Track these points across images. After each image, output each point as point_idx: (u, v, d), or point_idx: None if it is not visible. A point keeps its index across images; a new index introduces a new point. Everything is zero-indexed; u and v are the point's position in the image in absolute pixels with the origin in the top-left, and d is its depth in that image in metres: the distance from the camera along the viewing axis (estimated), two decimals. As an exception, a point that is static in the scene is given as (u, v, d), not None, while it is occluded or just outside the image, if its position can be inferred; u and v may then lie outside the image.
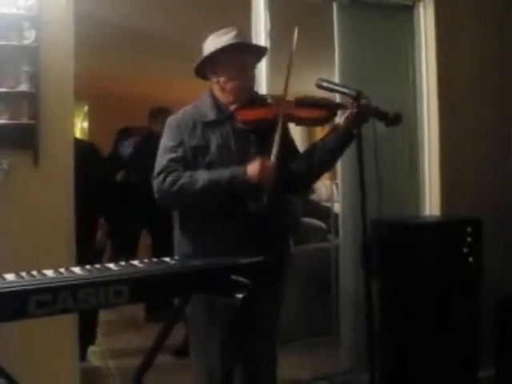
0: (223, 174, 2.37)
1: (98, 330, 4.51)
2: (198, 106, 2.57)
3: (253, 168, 2.34)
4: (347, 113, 2.41)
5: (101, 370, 4.14)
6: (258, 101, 2.56)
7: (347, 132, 2.44)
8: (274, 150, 2.35)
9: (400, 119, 2.43)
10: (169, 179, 2.38)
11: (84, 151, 3.91)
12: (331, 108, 2.48)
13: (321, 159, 2.48)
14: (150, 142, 4.89)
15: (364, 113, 2.37)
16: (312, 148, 2.54)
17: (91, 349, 4.36)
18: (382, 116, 2.40)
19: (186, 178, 2.37)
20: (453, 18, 4.00)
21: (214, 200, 2.39)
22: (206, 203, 2.40)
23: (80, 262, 3.12)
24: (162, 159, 2.45)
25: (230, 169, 2.38)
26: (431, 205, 4.07)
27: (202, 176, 2.37)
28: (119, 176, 5.26)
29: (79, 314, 4.14)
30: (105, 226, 4.12)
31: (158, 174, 2.42)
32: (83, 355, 4.22)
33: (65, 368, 3.18)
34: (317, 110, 2.48)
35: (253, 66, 2.58)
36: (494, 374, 3.45)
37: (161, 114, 5.02)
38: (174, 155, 2.43)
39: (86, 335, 4.23)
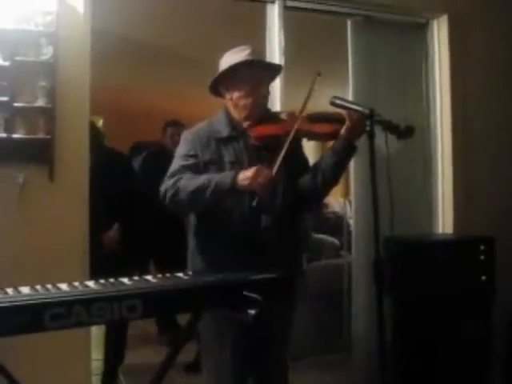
0: (213, 177, 2.36)
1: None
2: (212, 122, 2.59)
3: (245, 173, 2.32)
4: (345, 124, 2.42)
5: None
6: (271, 118, 2.58)
7: (346, 144, 2.43)
8: (277, 162, 2.34)
9: (412, 132, 2.42)
10: (172, 180, 2.41)
11: (119, 162, 3.95)
12: (341, 122, 2.48)
13: (325, 174, 2.47)
14: (157, 155, 4.93)
15: (360, 124, 2.36)
16: (316, 163, 2.55)
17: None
18: (394, 129, 2.39)
19: (184, 180, 2.40)
20: (466, 34, 4.02)
21: (205, 206, 2.38)
22: (199, 208, 2.42)
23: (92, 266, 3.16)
24: (174, 165, 2.49)
25: (222, 174, 2.38)
26: (444, 222, 4.06)
27: (198, 179, 2.38)
28: None
29: (108, 334, 4.20)
30: (118, 229, 4.10)
31: (167, 177, 2.46)
32: (115, 376, 4.22)
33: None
34: (328, 124, 2.50)
35: (267, 84, 2.60)
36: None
37: (169, 126, 5.05)
38: (186, 162, 2.46)
39: (117, 354, 4.24)
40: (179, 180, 2.40)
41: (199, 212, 2.51)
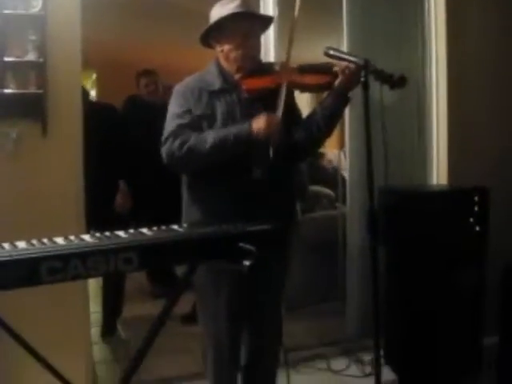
0: (229, 131, 2.38)
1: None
2: (203, 75, 2.57)
3: (258, 122, 2.35)
4: (339, 78, 2.40)
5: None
6: (263, 69, 2.56)
7: (340, 95, 2.43)
8: (279, 109, 2.36)
9: (405, 81, 2.40)
10: (177, 142, 2.39)
11: (102, 113, 3.93)
12: (334, 73, 2.46)
13: (318, 125, 2.47)
14: (129, 106, 4.90)
15: (354, 78, 2.36)
16: (310, 115, 2.54)
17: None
18: (387, 78, 2.38)
19: (193, 139, 2.38)
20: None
21: (224, 160, 2.38)
22: (214, 164, 2.40)
23: (103, 225, 3.17)
24: (169, 125, 2.47)
25: (235, 126, 2.40)
26: (439, 173, 4.08)
27: (209, 136, 2.38)
28: None
29: (105, 286, 4.25)
30: (124, 189, 4.11)
31: (166, 138, 2.43)
32: (113, 328, 4.29)
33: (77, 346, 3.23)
34: (320, 75, 2.48)
35: (257, 35, 2.57)
36: (498, 342, 3.48)
37: (142, 76, 5.00)
38: (181, 121, 2.44)
39: (114, 307, 4.29)
40: (186, 141, 2.38)
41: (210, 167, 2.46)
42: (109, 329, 4.26)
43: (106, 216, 3.48)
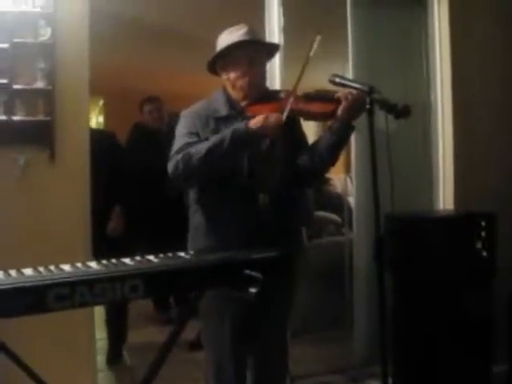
0: (225, 132, 2.39)
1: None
2: (210, 102, 2.59)
3: (257, 118, 2.36)
4: (342, 105, 2.41)
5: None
6: (269, 96, 2.58)
7: (344, 124, 2.43)
8: (285, 110, 2.36)
9: (409, 111, 2.40)
10: (181, 155, 2.39)
11: (104, 141, 3.95)
12: (338, 100, 2.46)
13: (322, 154, 2.48)
14: (135, 134, 4.93)
15: (356, 104, 2.36)
16: (315, 142, 2.55)
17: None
18: (391, 108, 2.38)
19: (194, 147, 2.39)
20: (467, 10, 3.97)
21: (223, 164, 2.38)
22: (216, 171, 2.40)
23: (96, 251, 3.17)
24: (177, 143, 2.48)
25: (235, 124, 2.41)
26: (445, 199, 4.06)
27: (207, 142, 2.39)
28: None
29: (108, 313, 4.23)
30: (119, 213, 4.14)
31: (173, 154, 2.44)
32: (119, 355, 4.27)
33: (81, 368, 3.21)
34: (325, 103, 2.48)
35: (263, 63, 2.59)
36: (508, 369, 3.45)
37: (145, 103, 5.02)
38: (189, 140, 2.45)
39: (119, 333, 4.28)
40: (188, 152, 2.38)
41: (212, 176, 2.45)
42: (114, 355, 4.24)
43: (98, 240, 3.47)
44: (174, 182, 2.48)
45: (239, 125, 2.39)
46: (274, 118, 2.34)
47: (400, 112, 2.37)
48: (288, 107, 2.38)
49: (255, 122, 2.35)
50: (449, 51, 3.97)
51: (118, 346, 4.29)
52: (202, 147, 2.37)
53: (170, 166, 2.43)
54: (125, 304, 4.22)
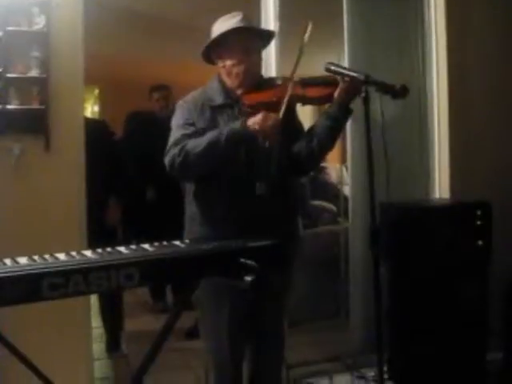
0: (224, 127, 2.39)
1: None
2: (206, 91, 2.58)
3: (254, 119, 2.35)
4: (338, 88, 2.41)
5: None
6: (264, 84, 2.57)
7: (340, 108, 2.42)
8: (282, 107, 2.35)
9: (406, 91, 2.39)
10: (177, 148, 2.39)
11: (95, 130, 3.94)
12: (335, 83, 2.46)
13: (320, 138, 2.46)
14: (131, 123, 4.94)
15: (354, 86, 2.35)
16: (312, 127, 2.54)
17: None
18: (388, 88, 2.38)
19: (191, 142, 2.39)
20: (463, -1, 3.98)
21: (221, 159, 2.38)
22: (213, 166, 2.40)
23: (92, 242, 3.17)
24: (173, 136, 2.47)
25: (233, 122, 2.41)
26: (441, 187, 4.07)
27: (205, 137, 2.38)
28: None
29: (103, 302, 4.24)
30: (115, 205, 4.14)
31: (169, 147, 2.44)
32: (117, 343, 4.27)
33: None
34: (321, 88, 2.48)
35: (258, 50, 2.58)
36: (502, 357, 3.46)
37: (154, 91, 5.05)
38: (185, 131, 2.45)
39: (114, 322, 4.28)
40: (185, 145, 2.38)
41: (208, 172, 2.45)
42: (112, 344, 4.25)
43: (95, 230, 3.46)
44: (170, 175, 2.48)
45: (236, 124, 2.38)
46: (271, 119, 2.33)
47: (398, 92, 2.36)
48: (285, 101, 2.37)
49: (253, 123, 2.34)
50: (445, 38, 3.97)
51: (115, 334, 4.29)
52: (199, 143, 2.36)
53: (167, 160, 2.43)
54: (118, 292, 4.22)
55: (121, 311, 4.37)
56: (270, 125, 2.32)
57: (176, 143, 2.42)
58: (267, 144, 2.34)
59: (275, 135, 2.34)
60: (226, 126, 2.39)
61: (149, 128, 4.81)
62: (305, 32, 2.42)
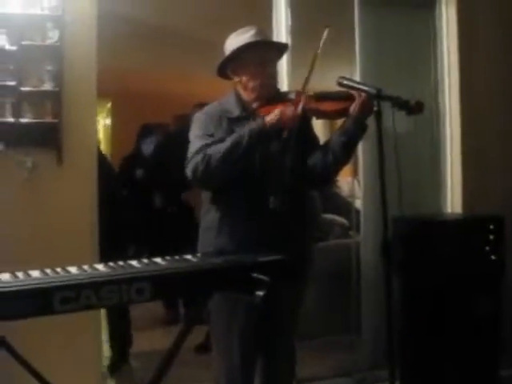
0: (242, 131, 2.40)
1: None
2: (223, 103, 2.59)
3: (272, 113, 2.38)
4: (354, 104, 2.40)
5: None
6: (280, 97, 2.57)
7: (356, 123, 2.41)
8: (300, 103, 2.38)
9: (422, 107, 2.39)
10: (200, 156, 2.38)
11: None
12: (350, 98, 2.45)
13: (334, 153, 2.46)
14: (171, 141, 4.97)
15: (369, 101, 2.35)
16: (327, 141, 2.54)
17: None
18: (403, 104, 2.37)
19: (212, 148, 2.39)
20: (475, 13, 3.97)
21: (242, 163, 2.39)
22: (235, 168, 2.40)
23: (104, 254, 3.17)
24: (193, 146, 2.46)
25: (250, 123, 2.43)
26: (453, 202, 4.05)
27: (227, 140, 2.40)
28: (139, 173, 5.29)
29: (112, 318, 4.22)
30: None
31: (192, 156, 2.43)
32: (126, 358, 4.24)
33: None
34: (336, 102, 2.48)
35: (273, 63, 2.59)
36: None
37: (196, 108, 5.07)
38: (205, 141, 2.44)
39: (125, 337, 4.26)
40: (207, 152, 2.38)
41: (230, 176, 2.43)
42: (120, 360, 4.21)
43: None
44: (193, 183, 2.48)
45: (256, 121, 2.40)
46: (289, 110, 2.37)
47: (412, 108, 2.35)
48: (302, 102, 2.39)
49: (272, 117, 2.37)
50: (457, 54, 3.97)
51: (122, 349, 4.25)
52: (221, 147, 2.37)
53: (189, 168, 2.43)
54: (125, 308, 4.20)
55: (129, 324, 4.34)
56: (289, 116, 2.36)
57: (197, 152, 2.41)
58: (285, 134, 2.37)
59: (294, 122, 2.37)
60: (243, 129, 2.40)
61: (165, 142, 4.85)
62: (321, 37, 2.42)
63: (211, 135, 2.47)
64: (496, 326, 3.34)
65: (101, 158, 4.21)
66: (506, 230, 3.37)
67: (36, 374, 1.94)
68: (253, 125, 2.39)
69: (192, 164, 2.41)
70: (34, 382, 1.96)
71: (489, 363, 3.33)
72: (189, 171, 2.43)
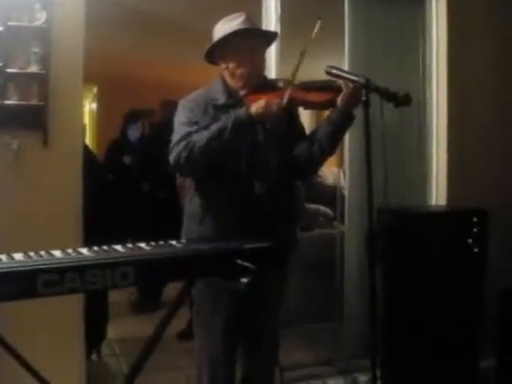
0: (226, 119, 2.38)
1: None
2: (208, 90, 2.58)
3: (258, 103, 2.36)
4: (341, 94, 2.40)
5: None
6: (267, 86, 2.56)
7: (343, 113, 2.41)
8: (286, 94, 2.36)
9: (409, 99, 2.38)
10: (183, 143, 2.37)
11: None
12: (337, 88, 2.45)
13: (321, 143, 2.46)
14: (158, 129, 4.98)
15: (357, 92, 2.34)
16: (313, 131, 2.54)
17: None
18: (391, 96, 2.37)
19: (196, 136, 2.38)
20: (465, 5, 3.97)
21: (225, 150, 2.37)
22: (217, 158, 2.39)
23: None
24: (177, 133, 2.45)
25: (235, 110, 2.41)
26: (438, 194, 4.07)
27: (211, 128, 2.38)
28: (126, 159, 5.28)
29: (88, 309, 4.18)
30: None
31: (174, 144, 2.42)
32: (97, 351, 4.18)
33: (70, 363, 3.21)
34: (323, 92, 2.47)
35: (262, 52, 2.57)
36: (495, 365, 3.47)
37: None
38: (189, 129, 2.43)
39: (98, 330, 4.22)
40: (190, 140, 2.37)
41: (213, 163, 2.42)
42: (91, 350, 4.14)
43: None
44: (176, 171, 2.47)
45: (241, 110, 2.38)
46: (274, 101, 2.35)
47: (401, 100, 2.35)
48: (288, 93, 2.37)
49: (257, 107, 2.35)
50: (445, 46, 3.98)
51: (97, 344, 4.19)
52: (204, 135, 2.36)
53: (173, 156, 2.42)
54: (104, 297, 4.15)
55: (106, 317, 4.24)
56: (274, 108, 2.34)
57: (181, 139, 2.40)
58: (269, 125, 2.36)
59: (279, 115, 2.36)
60: (228, 117, 2.39)
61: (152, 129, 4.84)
62: (312, 29, 2.40)
63: (196, 122, 2.46)
64: (477, 318, 3.37)
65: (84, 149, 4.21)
66: (489, 223, 3.40)
67: (24, 363, 1.94)
68: (237, 113, 2.37)
69: (175, 151, 2.40)
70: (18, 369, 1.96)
71: (469, 354, 3.37)
72: (172, 159, 2.42)
